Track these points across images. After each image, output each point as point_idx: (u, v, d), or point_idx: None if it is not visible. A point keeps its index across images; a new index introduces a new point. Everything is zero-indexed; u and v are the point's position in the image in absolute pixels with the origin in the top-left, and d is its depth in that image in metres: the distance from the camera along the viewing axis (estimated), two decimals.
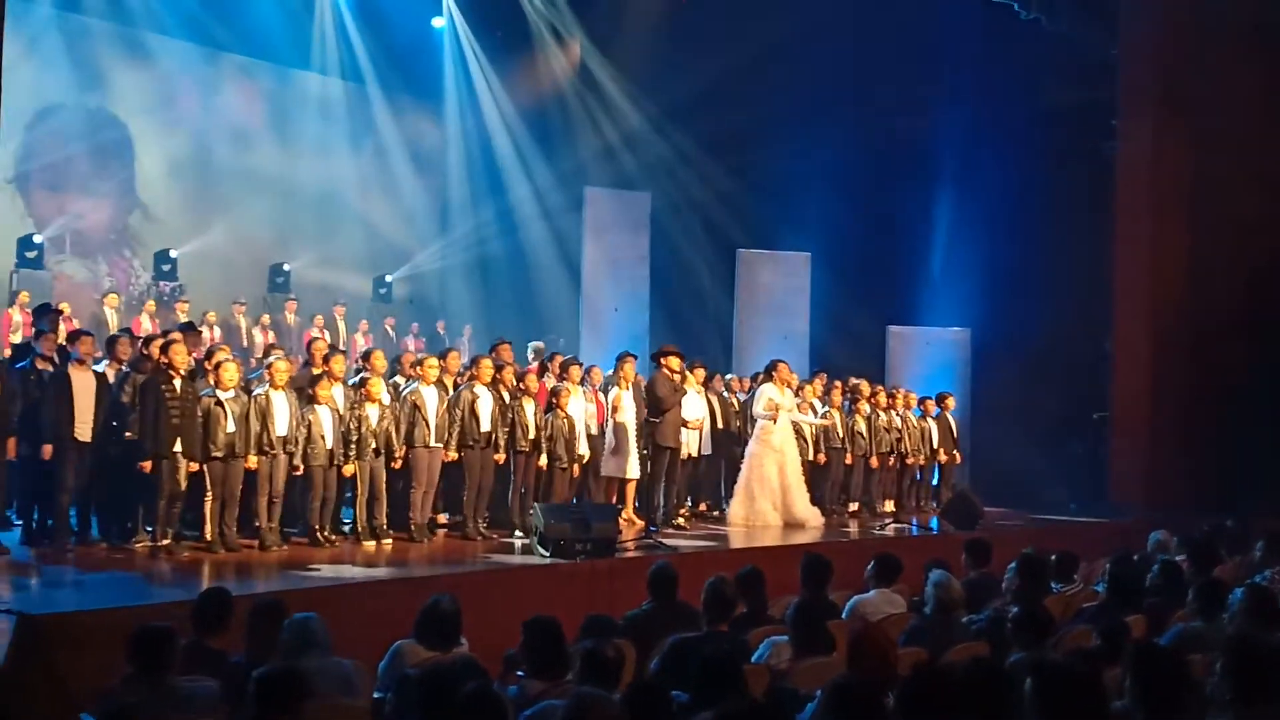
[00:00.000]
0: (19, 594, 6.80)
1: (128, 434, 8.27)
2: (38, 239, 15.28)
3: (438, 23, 18.23)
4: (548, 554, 8.55)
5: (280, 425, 8.68)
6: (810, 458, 12.20)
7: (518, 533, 9.84)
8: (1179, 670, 3.87)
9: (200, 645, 5.03)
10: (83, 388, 8.28)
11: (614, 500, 10.90)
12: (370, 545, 9.08)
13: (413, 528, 9.46)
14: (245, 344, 14.93)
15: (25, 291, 13.58)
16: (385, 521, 9.33)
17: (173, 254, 16.24)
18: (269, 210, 17.33)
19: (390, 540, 9.24)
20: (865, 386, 13.31)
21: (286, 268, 17.37)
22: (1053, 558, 7.54)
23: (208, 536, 8.45)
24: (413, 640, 5.26)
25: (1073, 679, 3.52)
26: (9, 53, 7.01)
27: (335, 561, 8.40)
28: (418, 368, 9.80)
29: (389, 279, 18.62)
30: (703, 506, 12.21)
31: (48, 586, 7.20)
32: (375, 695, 4.94)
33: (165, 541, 8.20)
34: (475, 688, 3.73)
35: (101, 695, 4.57)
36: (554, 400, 10.31)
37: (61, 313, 9.76)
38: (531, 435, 10.00)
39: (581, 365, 11.17)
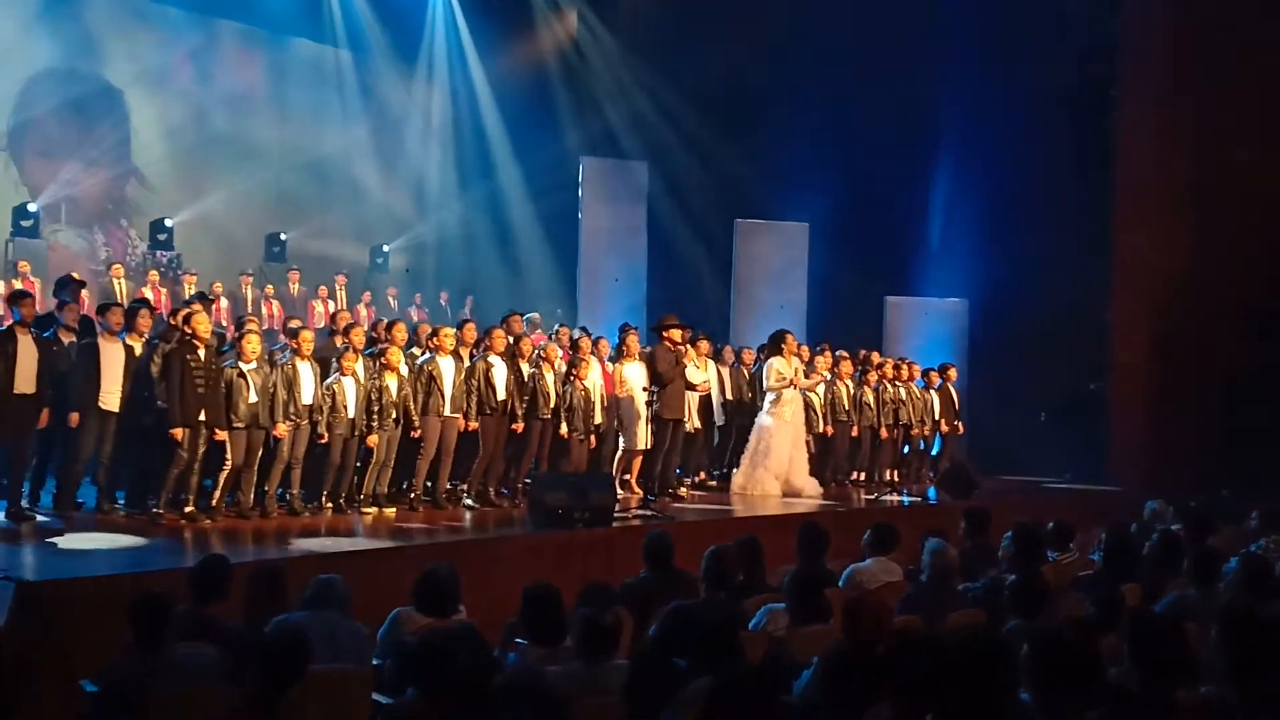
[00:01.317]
0: (19, 560, 6.82)
1: (160, 402, 8.32)
2: (32, 207, 15.21)
3: None
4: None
5: (306, 394, 8.83)
6: (819, 429, 12.24)
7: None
8: (1176, 637, 3.89)
9: (198, 613, 5.04)
10: (111, 358, 8.39)
11: (623, 471, 10.94)
12: (380, 511, 9.18)
13: (412, 495, 9.57)
14: (252, 314, 14.89)
15: (25, 261, 13.53)
16: (387, 490, 9.45)
17: (168, 223, 16.18)
18: (266, 179, 17.25)
19: (394, 509, 9.34)
20: (875, 357, 13.35)
21: (283, 237, 17.32)
22: (1049, 526, 7.56)
23: (213, 502, 8.55)
24: (411, 608, 5.28)
25: (1068, 646, 3.53)
26: (1, 19, 6.97)
27: (340, 529, 8.49)
28: (434, 339, 9.84)
29: (386, 249, 18.58)
30: (700, 475, 12.24)
31: (53, 553, 7.20)
32: (374, 662, 4.97)
33: (188, 510, 8.31)
34: (471, 653, 3.75)
35: (103, 665, 4.58)
36: (572, 371, 10.35)
37: (84, 284, 9.81)
38: (552, 404, 10.10)
39: (591, 336, 11.20)
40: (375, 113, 18.50)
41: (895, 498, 12.11)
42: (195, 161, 17.02)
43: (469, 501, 9.85)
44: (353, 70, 18.13)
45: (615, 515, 8.96)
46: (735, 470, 11.67)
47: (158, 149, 16.94)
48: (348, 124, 18.26)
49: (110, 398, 8.36)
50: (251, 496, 8.70)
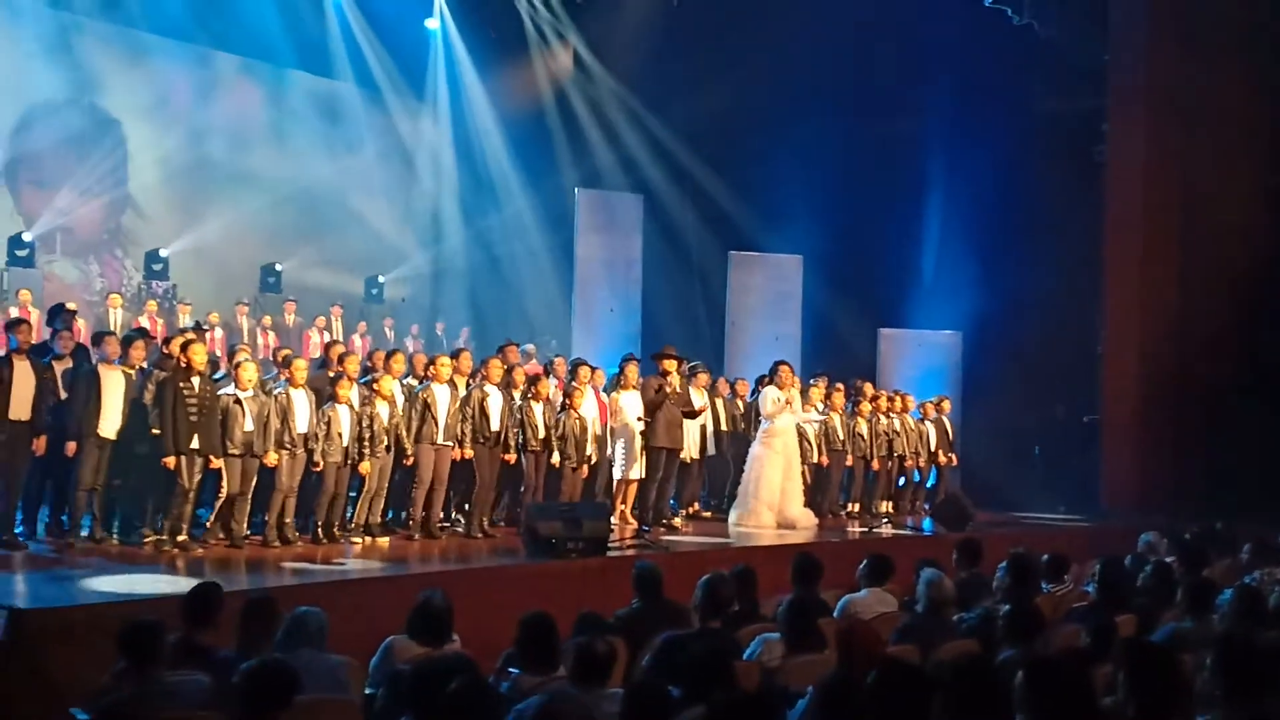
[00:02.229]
0: (11, 589, 6.78)
1: (154, 430, 8.33)
2: (27, 237, 15.22)
3: (431, 24, 18.21)
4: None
5: (300, 422, 8.83)
6: (814, 460, 12.25)
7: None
8: (1171, 666, 3.89)
9: (190, 640, 5.02)
10: (111, 386, 8.41)
11: (620, 501, 10.93)
12: (373, 541, 9.19)
13: (410, 524, 9.55)
14: (250, 345, 14.89)
15: (26, 290, 13.52)
16: (380, 519, 9.47)
17: (162, 253, 16.20)
18: (262, 210, 17.27)
19: (386, 539, 9.34)
20: (869, 389, 13.38)
21: (279, 268, 17.34)
22: (1044, 558, 7.56)
23: (219, 534, 8.56)
24: (404, 636, 5.26)
25: (1063, 674, 3.53)
26: None
27: (334, 558, 8.48)
28: (430, 368, 9.86)
29: (381, 280, 18.60)
30: (694, 507, 12.24)
31: (44, 581, 7.17)
32: (366, 691, 4.94)
33: (181, 538, 8.29)
34: (465, 681, 3.73)
35: (94, 690, 4.56)
36: (566, 400, 10.38)
37: (75, 312, 9.85)
38: (541, 435, 10.10)
39: (589, 366, 11.23)
40: (371, 144, 18.56)
41: (890, 529, 12.10)
42: (191, 192, 17.05)
43: (461, 530, 9.82)
44: (350, 102, 18.22)
45: (609, 545, 8.94)
46: (730, 502, 11.65)
47: (154, 179, 16.98)
48: (344, 155, 18.33)
49: (109, 425, 8.38)
50: (245, 525, 8.68)
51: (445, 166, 19.28)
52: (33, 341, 8.65)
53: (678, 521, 11.31)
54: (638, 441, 10.77)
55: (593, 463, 10.71)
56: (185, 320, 13.88)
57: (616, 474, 10.98)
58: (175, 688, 4.44)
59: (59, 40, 15.70)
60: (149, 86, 16.70)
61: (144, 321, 13.62)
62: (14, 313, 12.84)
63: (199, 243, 16.67)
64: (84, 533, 8.54)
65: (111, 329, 11.70)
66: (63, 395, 8.40)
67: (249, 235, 17.17)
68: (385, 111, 18.50)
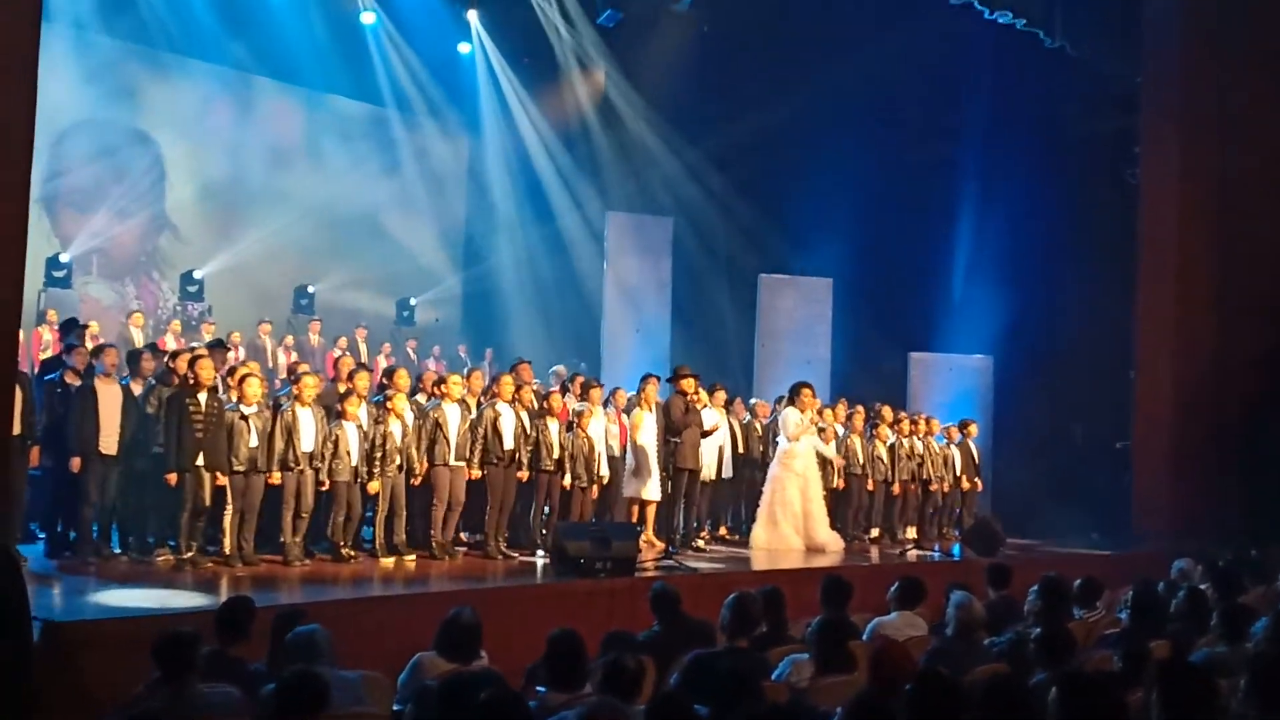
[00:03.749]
0: (42, 601, 6.83)
1: (155, 448, 8.34)
2: (64, 258, 15.40)
3: (464, 49, 18.39)
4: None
5: (306, 441, 8.79)
6: (833, 484, 12.21)
7: (539, 552, 9.89)
8: (1206, 688, 3.84)
9: (222, 654, 5.05)
10: (108, 401, 8.40)
11: (635, 521, 10.92)
12: (390, 561, 9.15)
13: (434, 545, 9.53)
14: (270, 364, 14.99)
15: (53, 310, 13.68)
16: (405, 538, 9.45)
17: (197, 274, 16.35)
18: (297, 232, 17.42)
19: (412, 557, 9.33)
20: (888, 412, 13.33)
21: (311, 289, 17.48)
22: (1077, 583, 7.48)
23: (226, 550, 8.52)
24: (433, 653, 5.27)
25: (1098, 690, 3.49)
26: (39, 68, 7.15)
27: (356, 577, 8.48)
28: (441, 386, 9.86)
29: (413, 302, 18.73)
30: (722, 530, 12.22)
31: (71, 595, 7.23)
32: (395, 707, 4.95)
33: (189, 555, 8.28)
34: (494, 693, 3.73)
35: (126, 701, 4.59)
36: (575, 420, 10.38)
37: (87, 327, 9.88)
38: (556, 455, 10.09)
39: (602, 386, 11.23)
40: (405, 167, 18.72)
41: (918, 553, 12.02)
42: (228, 214, 17.23)
43: (492, 552, 9.80)
44: (385, 125, 18.40)
45: (637, 566, 8.93)
46: (754, 524, 11.62)
47: (191, 202, 17.17)
48: (378, 177, 18.50)
49: (109, 441, 8.34)
50: (252, 542, 8.64)
51: (477, 189, 19.43)
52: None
53: (702, 543, 11.29)
54: (653, 461, 10.75)
55: (605, 483, 10.69)
56: (207, 339, 13.98)
57: (628, 492, 10.94)
58: (208, 699, 4.47)
59: (98, 62, 15.90)
60: (187, 108, 16.91)
61: (168, 341, 13.75)
62: (44, 333, 13.03)
63: (234, 264, 16.82)
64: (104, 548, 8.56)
65: (133, 348, 11.76)
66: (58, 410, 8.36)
67: (284, 257, 17.32)
68: (419, 134, 18.68)
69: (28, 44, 6.98)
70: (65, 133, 15.94)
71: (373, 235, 18.49)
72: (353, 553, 9.05)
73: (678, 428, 10.65)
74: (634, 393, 11.38)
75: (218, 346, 10.53)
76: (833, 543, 11.42)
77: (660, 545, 10.65)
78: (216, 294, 16.44)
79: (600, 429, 10.76)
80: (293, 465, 8.70)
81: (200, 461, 8.28)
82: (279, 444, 8.63)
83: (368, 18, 17.11)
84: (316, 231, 17.75)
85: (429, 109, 18.51)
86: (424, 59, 17.90)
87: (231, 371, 9.44)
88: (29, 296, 14.68)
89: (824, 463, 11.96)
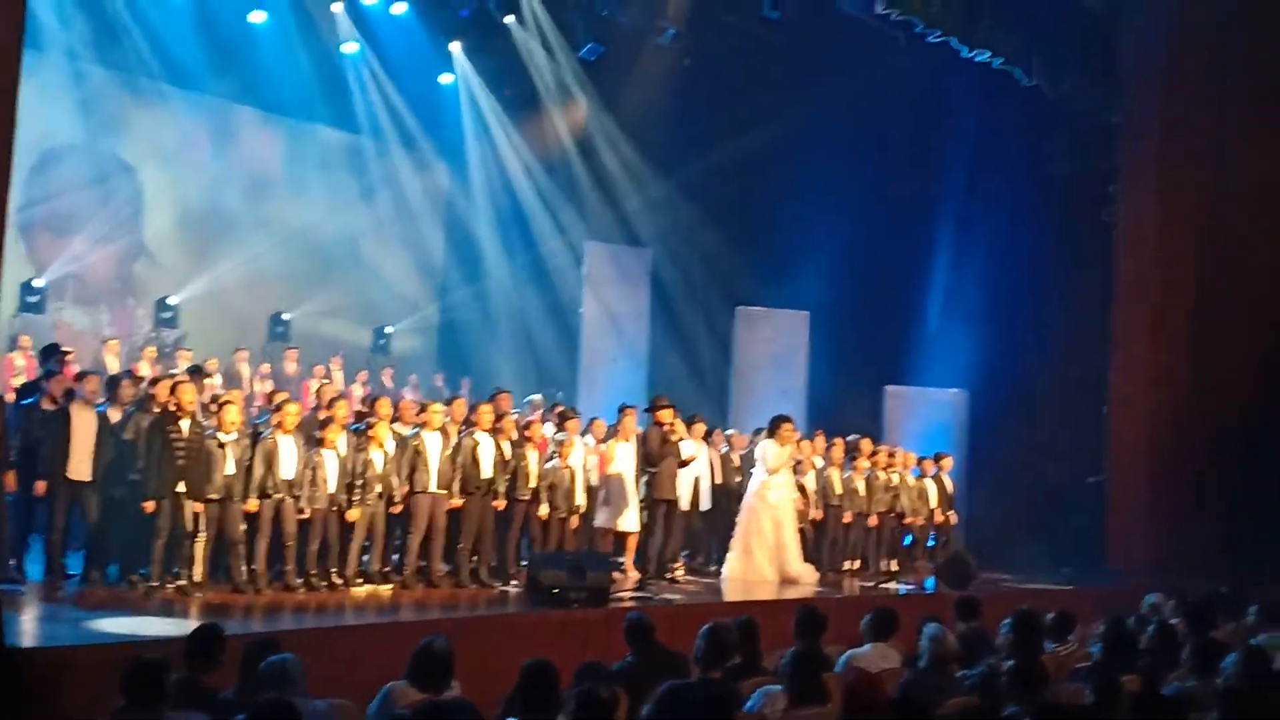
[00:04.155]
0: (9, 628, 6.75)
1: (132, 475, 8.29)
2: (39, 283, 15.30)
3: (445, 79, 18.47)
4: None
5: (287, 469, 8.76)
6: (811, 516, 12.23)
7: (513, 582, 9.84)
8: (1178, 718, 3.86)
9: (192, 681, 5.00)
10: (82, 426, 8.35)
11: (612, 552, 10.89)
12: (374, 589, 9.13)
13: (405, 573, 9.50)
14: (247, 392, 14.90)
15: (26, 335, 13.58)
16: (380, 566, 9.42)
17: (172, 301, 16.27)
18: (273, 259, 17.37)
19: (390, 587, 9.31)
20: (867, 445, 13.38)
21: (286, 317, 17.42)
22: (1049, 617, 7.51)
23: (195, 577, 8.45)
24: (404, 682, 5.24)
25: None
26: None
27: (328, 606, 8.43)
28: (422, 413, 9.85)
29: (389, 330, 18.68)
30: (699, 559, 12.20)
31: (38, 621, 7.15)
32: None
33: (181, 583, 8.28)
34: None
35: None
36: (556, 450, 10.36)
37: (69, 353, 9.86)
38: (533, 484, 10.07)
39: (578, 416, 11.23)
40: (384, 196, 18.73)
41: (892, 586, 12.03)
42: (205, 241, 17.14)
43: (463, 580, 9.75)
44: (364, 155, 18.41)
45: (611, 597, 8.91)
46: (727, 555, 11.61)
47: (169, 228, 17.10)
48: (357, 206, 18.49)
49: (80, 467, 8.28)
50: (244, 571, 8.63)
51: (456, 218, 19.45)
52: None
53: (678, 574, 11.27)
54: (630, 492, 10.74)
55: (583, 513, 10.67)
56: (185, 367, 13.90)
57: (598, 521, 10.92)
58: None
59: (78, 89, 15.85)
60: (167, 135, 16.85)
61: (143, 367, 13.67)
62: (17, 358, 12.93)
63: (210, 291, 16.74)
64: (73, 575, 8.50)
65: (108, 374, 11.70)
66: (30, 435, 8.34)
67: (260, 284, 17.25)
68: (399, 164, 18.68)
69: (8, 72, 6.98)
70: (43, 158, 15.87)
71: (350, 263, 18.47)
72: (335, 581, 9.02)
73: (654, 459, 10.66)
74: (612, 423, 11.38)
75: (196, 373, 10.47)
76: (806, 575, 11.43)
77: (636, 576, 10.65)
78: (192, 321, 16.35)
79: (580, 459, 10.75)
80: (270, 493, 8.65)
81: (181, 489, 8.24)
82: (258, 471, 8.60)
83: (350, 47, 17.17)
84: (294, 259, 17.71)
85: (409, 138, 18.54)
86: (405, 89, 17.94)
87: (214, 399, 9.42)
88: (1, 321, 14.66)
89: (801, 491, 11.97)
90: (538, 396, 13.77)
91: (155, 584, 8.23)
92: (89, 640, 6.50)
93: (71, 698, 5.55)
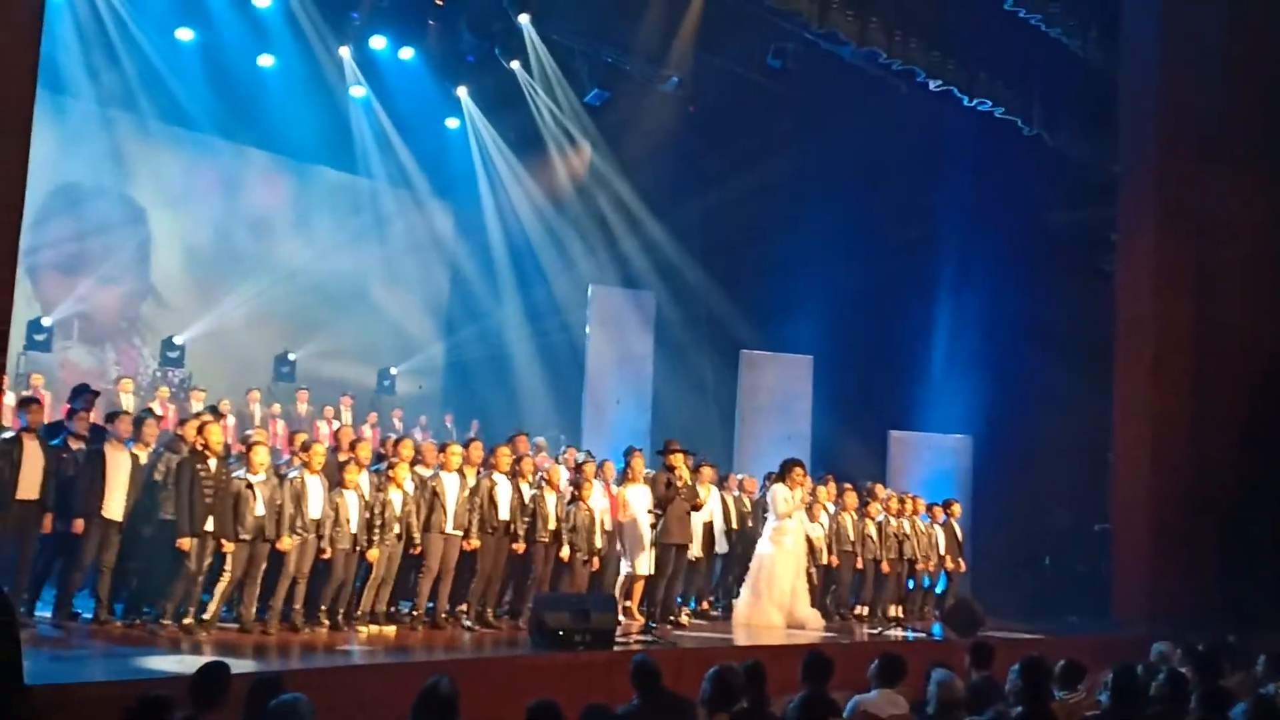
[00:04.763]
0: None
1: (163, 514, 8.35)
2: (46, 322, 15.37)
3: (452, 124, 18.64)
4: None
5: (314, 508, 8.84)
6: (824, 561, 12.19)
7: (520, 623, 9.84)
8: None
9: None
10: (117, 466, 8.46)
11: (624, 597, 10.86)
12: (379, 629, 9.13)
13: (414, 614, 9.51)
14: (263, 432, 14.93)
15: (38, 375, 13.61)
16: (387, 607, 9.45)
17: (178, 340, 16.33)
18: (279, 300, 17.48)
19: (394, 628, 9.31)
20: (880, 490, 13.36)
21: (291, 357, 17.47)
22: (1059, 665, 7.45)
23: (207, 616, 8.46)
24: None
25: None
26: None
27: (335, 645, 8.43)
28: (441, 454, 9.89)
29: (394, 371, 18.73)
30: (705, 605, 12.14)
31: (47, 658, 7.12)
32: None
33: (188, 621, 8.27)
34: None
35: None
36: (576, 492, 10.38)
37: (98, 394, 9.99)
38: (552, 526, 10.08)
39: (594, 459, 11.25)
40: (390, 238, 18.88)
41: (900, 633, 11.96)
42: (211, 282, 17.26)
43: (468, 623, 9.74)
44: (371, 197, 18.58)
45: (616, 640, 8.86)
46: (737, 599, 11.56)
47: (176, 269, 17.22)
48: (362, 248, 18.63)
49: (114, 506, 8.40)
50: (254, 610, 8.64)
51: (461, 261, 19.57)
52: (44, 422, 8.68)
53: (685, 618, 11.23)
54: (645, 535, 10.72)
55: (602, 555, 10.65)
56: (198, 407, 13.94)
57: (624, 568, 10.91)
58: None
59: (87, 129, 16.03)
60: (176, 177, 17.02)
61: (155, 407, 13.69)
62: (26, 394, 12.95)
63: (215, 330, 16.83)
64: (87, 615, 8.51)
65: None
66: (69, 474, 8.39)
67: (266, 324, 17.35)
68: (405, 206, 18.86)
69: (20, 115, 7.05)
70: (51, 198, 15.99)
71: (355, 304, 18.57)
72: (342, 622, 9.05)
73: (661, 503, 10.65)
74: (621, 467, 11.38)
75: (213, 414, 10.57)
76: (813, 620, 11.36)
77: (641, 619, 10.60)
78: (197, 360, 16.40)
79: (600, 501, 10.77)
80: (301, 532, 8.74)
81: (209, 527, 8.29)
82: (289, 509, 8.67)
83: (357, 91, 17.34)
84: (299, 299, 17.81)
85: (415, 181, 18.71)
86: (412, 132, 18.14)
87: (244, 439, 9.54)
88: (9, 359, 14.69)
89: (808, 538, 11.94)
90: (540, 439, 13.78)
91: (169, 622, 8.24)
92: (95, 678, 6.47)
93: None
